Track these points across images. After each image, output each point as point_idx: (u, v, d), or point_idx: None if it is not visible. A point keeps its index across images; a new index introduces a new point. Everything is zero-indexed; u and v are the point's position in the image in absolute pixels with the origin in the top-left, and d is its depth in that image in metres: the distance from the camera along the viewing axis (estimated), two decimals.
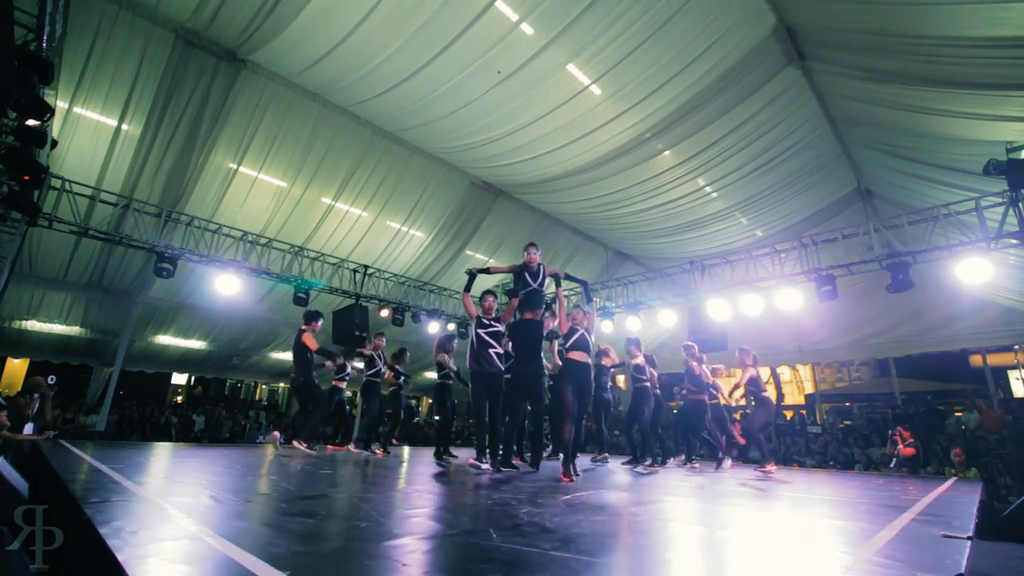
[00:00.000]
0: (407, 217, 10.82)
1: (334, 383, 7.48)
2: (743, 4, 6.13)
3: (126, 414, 12.92)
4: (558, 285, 5.28)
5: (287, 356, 14.61)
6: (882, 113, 7.07)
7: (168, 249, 7.89)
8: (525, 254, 5.14)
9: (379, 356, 7.37)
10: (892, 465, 9.23)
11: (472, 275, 5.06)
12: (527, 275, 5.14)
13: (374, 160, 9.55)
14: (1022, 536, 3.86)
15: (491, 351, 4.82)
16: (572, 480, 4.15)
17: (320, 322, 6.61)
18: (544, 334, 5.33)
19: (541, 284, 5.15)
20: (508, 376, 5.11)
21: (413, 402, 23.17)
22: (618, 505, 2.91)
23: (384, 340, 7.51)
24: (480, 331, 4.83)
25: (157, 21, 6.80)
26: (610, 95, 7.46)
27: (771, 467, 5.80)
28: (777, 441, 11.33)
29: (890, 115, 6.99)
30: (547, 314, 5.89)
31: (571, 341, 4.75)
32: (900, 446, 9.10)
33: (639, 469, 6.07)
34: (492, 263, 5.33)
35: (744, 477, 5.50)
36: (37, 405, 6.45)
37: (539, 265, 5.17)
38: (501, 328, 4.92)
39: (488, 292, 5.16)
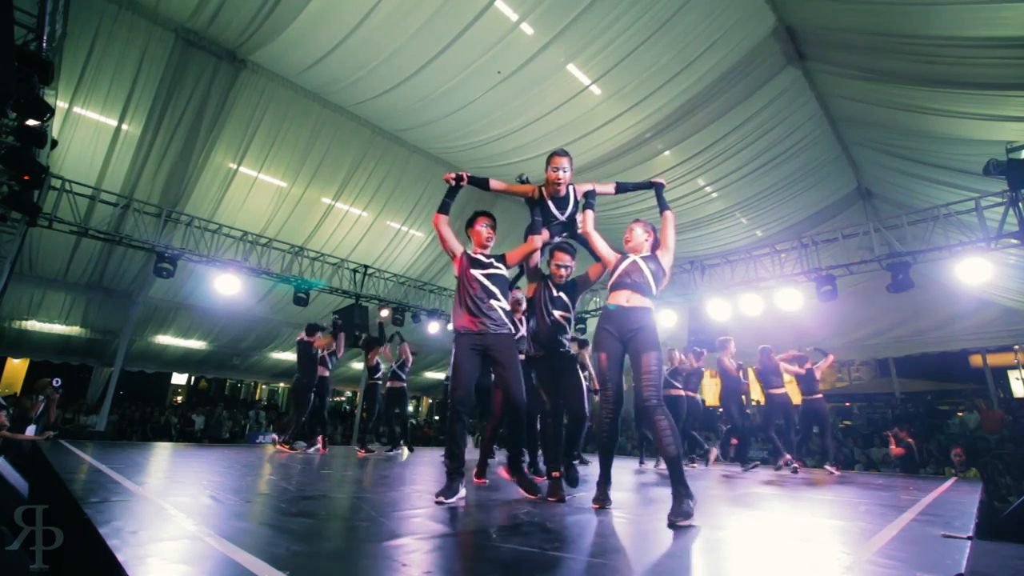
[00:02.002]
0: (407, 217, 10.83)
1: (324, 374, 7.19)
2: (743, 4, 6.13)
3: (126, 414, 12.91)
4: (588, 207, 3.33)
5: (287, 356, 14.63)
6: (882, 113, 7.07)
7: (168, 249, 7.89)
8: (548, 168, 3.28)
9: (380, 361, 7.37)
10: (889, 465, 9.25)
11: (456, 185, 3.19)
12: (551, 203, 3.31)
13: (374, 160, 9.55)
14: (1022, 536, 3.85)
15: (494, 303, 3.05)
16: (603, 507, 2.82)
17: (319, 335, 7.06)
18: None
19: (571, 217, 3.38)
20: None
21: (413, 402, 23.19)
22: (619, 505, 2.90)
23: (388, 347, 7.47)
24: (475, 271, 3.10)
25: (157, 21, 6.80)
26: (610, 95, 7.45)
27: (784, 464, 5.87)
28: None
29: (890, 115, 6.99)
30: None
31: (615, 276, 3.00)
32: (893, 446, 9.12)
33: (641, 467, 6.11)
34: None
35: (744, 478, 5.50)
36: (42, 407, 6.45)
37: (570, 188, 3.36)
38: (505, 272, 3.22)
39: (482, 214, 3.33)
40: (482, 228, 3.25)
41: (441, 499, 2.77)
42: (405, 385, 7.22)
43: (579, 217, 3.38)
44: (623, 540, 2.16)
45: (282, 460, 5.41)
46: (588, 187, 3.38)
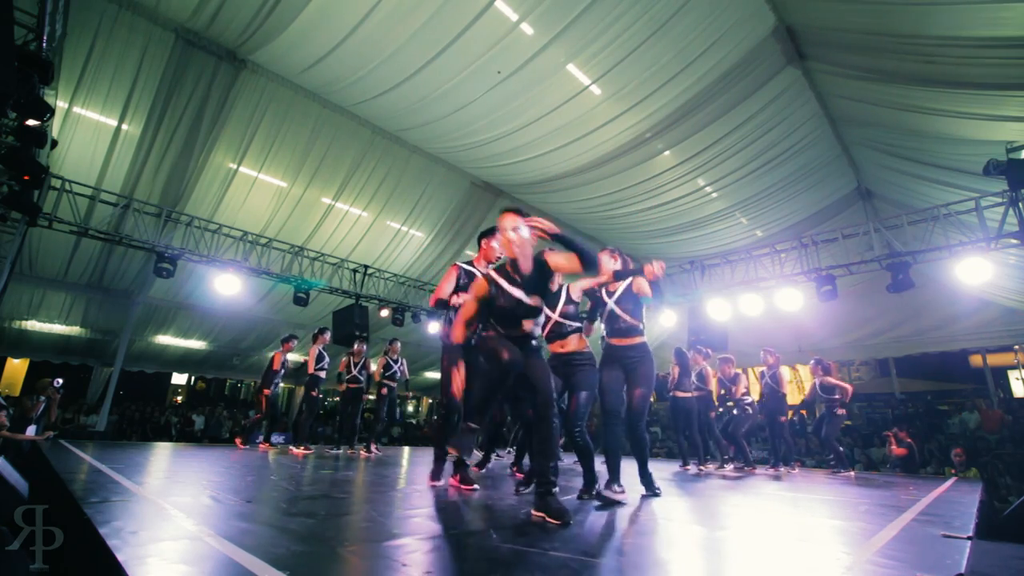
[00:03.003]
0: (407, 217, 10.82)
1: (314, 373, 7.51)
2: (743, 4, 6.13)
3: (126, 414, 12.92)
4: (591, 318, 3.19)
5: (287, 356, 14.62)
6: (882, 113, 7.07)
7: (168, 249, 7.89)
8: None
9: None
10: (889, 466, 9.25)
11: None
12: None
13: (374, 160, 9.55)
14: (1022, 536, 3.85)
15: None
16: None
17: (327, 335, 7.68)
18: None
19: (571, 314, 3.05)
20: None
21: (414, 402, 23.19)
22: (618, 505, 2.90)
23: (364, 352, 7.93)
24: (463, 264, 3.12)
25: (157, 21, 6.79)
26: (610, 95, 7.45)
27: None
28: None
29: (890, 115, 6.99)
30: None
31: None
32: (893, 446, 9.13)
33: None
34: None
35: (743, 478, 5.50)
36: (43, 407, 6.46)
37: (562, 288, 3.01)
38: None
39: (490, 233, 3.25)
40: (497, 245, 3.03)
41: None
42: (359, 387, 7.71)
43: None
44: (623, 540, 2.16)
45: (282, 460, 5.41)
46: (586, 284, 2.97)
